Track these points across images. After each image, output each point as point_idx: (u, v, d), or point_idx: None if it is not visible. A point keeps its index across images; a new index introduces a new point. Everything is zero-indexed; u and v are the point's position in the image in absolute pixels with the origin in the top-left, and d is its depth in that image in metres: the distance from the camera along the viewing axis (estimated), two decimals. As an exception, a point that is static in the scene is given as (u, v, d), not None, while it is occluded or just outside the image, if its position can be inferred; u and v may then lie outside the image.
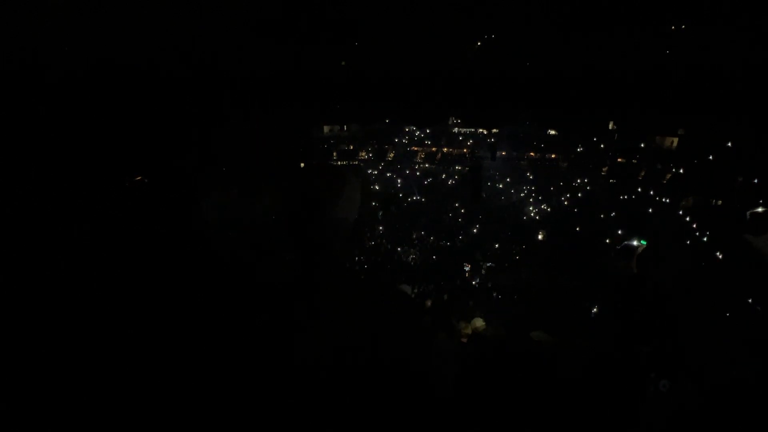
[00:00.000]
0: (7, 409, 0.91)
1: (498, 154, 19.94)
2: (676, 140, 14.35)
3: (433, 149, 21.79)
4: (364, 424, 0.95)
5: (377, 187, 20.94)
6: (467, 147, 20.99)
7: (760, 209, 1.61)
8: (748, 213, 1.63)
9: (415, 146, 22.04)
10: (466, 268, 15.65)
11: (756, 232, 1.60)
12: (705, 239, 11.24)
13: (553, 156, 18.56)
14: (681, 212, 12.61)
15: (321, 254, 1.03)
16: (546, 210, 18.49)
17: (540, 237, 17.00)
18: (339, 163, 21.33)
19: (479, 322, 4.43)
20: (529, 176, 19.12)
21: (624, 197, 15.53)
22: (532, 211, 18.71)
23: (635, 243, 2.25)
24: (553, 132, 18.03)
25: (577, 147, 17.55)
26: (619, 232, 14.10)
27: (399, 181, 21.11)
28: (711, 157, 11.27)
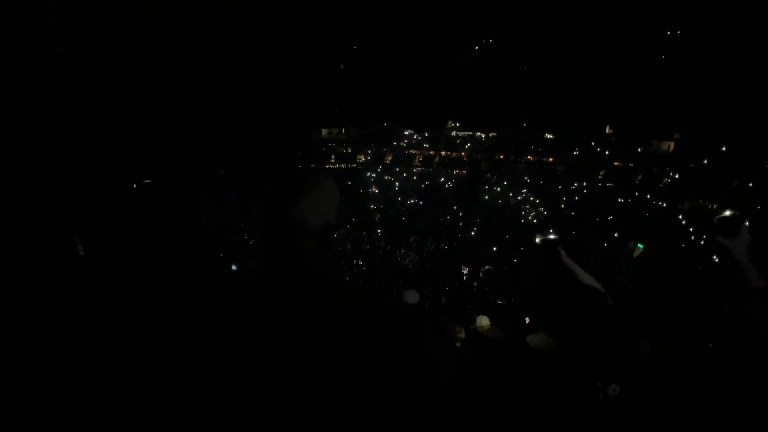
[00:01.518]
0: (7, 409, 0.90)
1: (496, 157, 20.06)
2: (672, 144, 14.47)
3: (431, 152, 21.87)
4: (358, 427, 0.95)
5: (376, 190, 20.97)
6: (465, 150, 21.08)
7: (728, 212, 1.64)
8: (715, 219, 1.66)
9: (413, 149, 22.12)
10: (464, 271, 15.63)
11: (726, 234, 1.63)
12: (701, 242, 11.31)
13: (550, 159, 18.65)
14: (678, 215, 12.68)
15: (289, 258, 1.04)
16: (543, 213, 18.53)
17: (537, 240, 17.00)
18: (337, 165, 21.37)
19: (485, 321, 4.32)
20: (527, 179, 19.18)
21: (621, 200, 15.59)
22: (529, 214, 18.76)
23: (552, 236, 2.13)
24: (550, 135, 18.13)
25: (575, 150, 17.64)
26: (616, 235, 14.16)
27: (397, 183, 21.15)
28: (706, 161, 11.36)
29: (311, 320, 0.92)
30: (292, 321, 0.92)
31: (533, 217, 18.59)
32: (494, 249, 16.82)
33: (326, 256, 1.06)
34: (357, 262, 14.92)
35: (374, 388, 0.88)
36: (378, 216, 19.09)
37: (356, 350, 0.91)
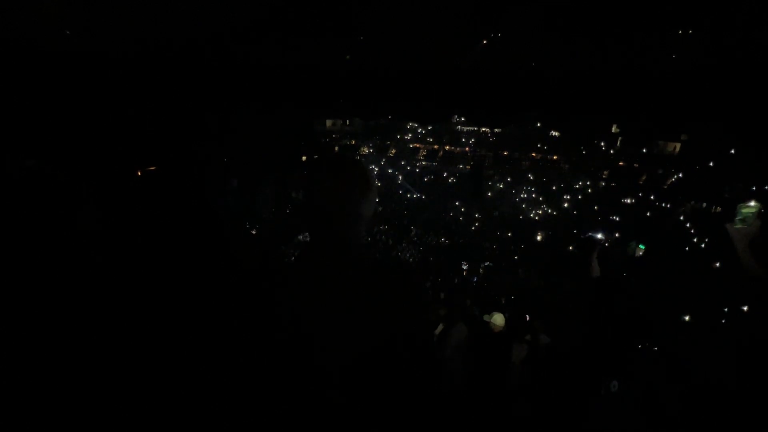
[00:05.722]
0: (6, 409, 0.90)
1: (500, 153, 19.96)
2: (678, 145, 14.37)
3: (435, 147, 21.77)
4: (370, 419, 0.95)
5: (378, 183, 20.90)
6: (469, 146, 20.99)
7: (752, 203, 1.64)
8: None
9: (417, 143, 22.03)
10: (464, 267, 15.65)
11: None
12: (702, 244, 11.28)
13: (555, 157, 18.55)
14: (681, 217, 12.64)
15: (346, 249, 1.03)
16: (546, 211, 18.49)
17: (538, 238, 17.02)
18: (340, 157, 21.23)
19: (500, 320, 4.21)
20: (530, 177, 19.10)
21: (624, 201, 15.54)
22: (531, 212, 18.72)
23: (599, 236, 2.12)
24: (555, 133, 18.01)
25: (580, 149, 17.54)
26: (617, 235, 14.13)
27: (400, 177, 21.09)
28: (712, 164, 11.29)
29: (355, 306, 0.91)
30: (335, 309, 0.92)
31: (535, 215, 18.55)
32: (495, 246, 16.82)
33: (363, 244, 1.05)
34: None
35: (395, 377, 0.88)
36: (380, 209, 19.09)
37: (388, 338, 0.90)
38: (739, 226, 1.61)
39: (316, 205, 0.99)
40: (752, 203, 1.61)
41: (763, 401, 1.34)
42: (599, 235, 2.06)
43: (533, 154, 18.94)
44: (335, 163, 1.04)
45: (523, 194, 19.24)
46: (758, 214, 1.60)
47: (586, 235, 2.08)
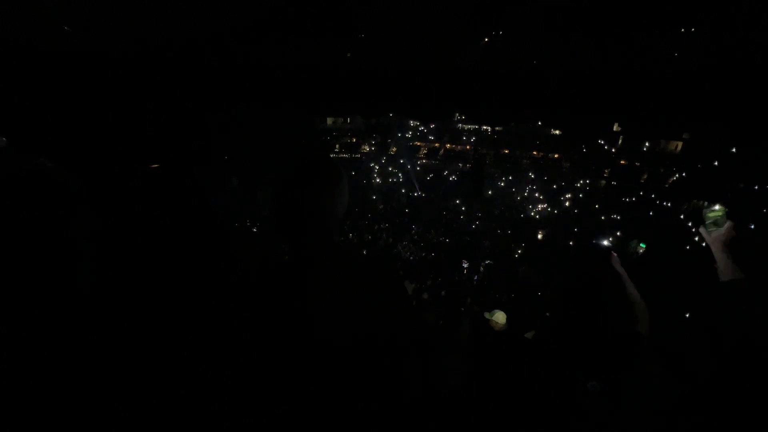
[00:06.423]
0: (5, 409, 0.91)
1: (500, 151, 19.93)
2: (680, 144, 14.32)
3: (436, 145, 21.75)
4: (369, 417, 0.96)
5: (379, 180, 20.92)
6: (470, 144, 20.96)
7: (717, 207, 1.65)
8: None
9: (418, 141, 22.00)
10: (465, 265, 15.63)
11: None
12: (703, 243, 11.23)
13: (556, 156, 18.51)
14: (682, 216, 12.60)
15: (319, 246, 1.04)
16: (546, 209, 18.46)
17: (539, 236, 16.99)
18: (341, 155, 21.28)
19: (502, 319, 4.16)
20: (531, 175, 19.07)
21: (625, 199, 15.50)
22: (532, 210, 18.69)
23: (605, 243, 2.07)
24: (557, 132, 17.97)
25: (581, 148, 17.49)
26: (618, 233, 14.11)
27: (400, 175, 21.06)
28: (716, 163, 11.25)
29: (346, 303, 0.92)
30: (328, 305, 0.93)
31: (536, 214, 18.52)
32: (496, 244, 16.81)
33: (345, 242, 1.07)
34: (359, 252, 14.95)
35: (386, 376, 0.89)
36: (381, 207, 19.09)
37: (376, 336, 0.91)
38: (712, 229, 1.62)
39: (290, 207, 1.01)
40: (717, 207, 1.62)
41: (747, 403, 1.35)
42: (605, 242, 2.00)
43: (534, 153, 18.91)
44: (306, 165, 1.06)
45: (524, 193, 19.20)
46: (727, 216, 1.61)
47: (594, 245, 2.01)
